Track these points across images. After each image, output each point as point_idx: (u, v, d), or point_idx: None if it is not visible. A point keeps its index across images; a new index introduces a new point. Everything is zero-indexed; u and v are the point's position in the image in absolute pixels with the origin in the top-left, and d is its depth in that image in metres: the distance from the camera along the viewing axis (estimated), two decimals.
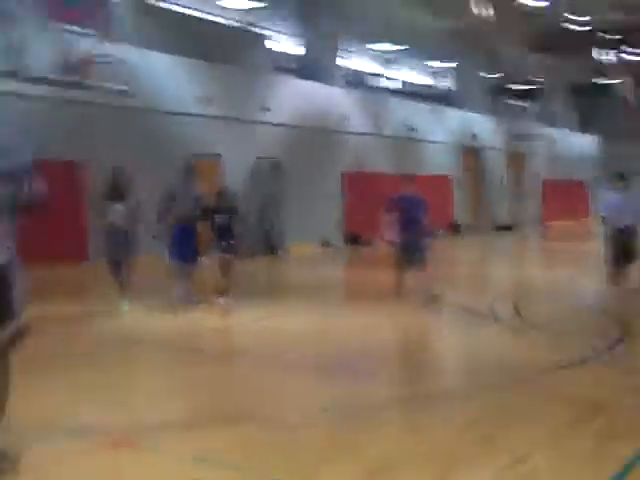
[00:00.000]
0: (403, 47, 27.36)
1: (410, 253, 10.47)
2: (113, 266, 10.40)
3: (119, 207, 10.29)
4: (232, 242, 10.53)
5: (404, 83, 32.41)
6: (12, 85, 13.08)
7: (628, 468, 4.33)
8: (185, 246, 10.43)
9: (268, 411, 5.55)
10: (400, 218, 10.61)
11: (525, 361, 7.17)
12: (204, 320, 9.71)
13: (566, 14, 24.54)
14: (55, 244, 13.63)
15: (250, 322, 9.67)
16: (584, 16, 25.13)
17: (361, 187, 22.22)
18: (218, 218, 10.50)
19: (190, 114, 17.20)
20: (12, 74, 12.93)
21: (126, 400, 5.95)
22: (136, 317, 9.82)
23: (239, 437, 4.90)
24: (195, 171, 10.99)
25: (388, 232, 10.74)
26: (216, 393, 6.25)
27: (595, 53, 31.21)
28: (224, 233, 10.49)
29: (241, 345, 8.63)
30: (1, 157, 4.17)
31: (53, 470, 4.33)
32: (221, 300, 10.25)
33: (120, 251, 10.29)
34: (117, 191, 10.35)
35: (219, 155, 17.83)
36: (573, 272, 15.22)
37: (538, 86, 38.38)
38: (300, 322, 9.57)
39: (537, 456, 4.48)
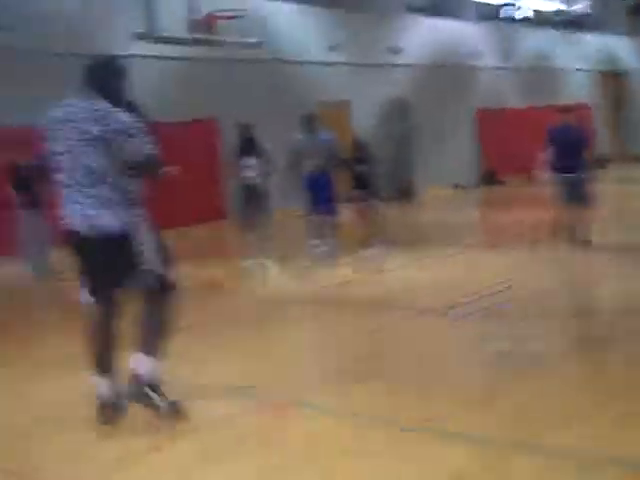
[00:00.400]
0: None
1: (570, 190, 9.76)
2: (249, 223, 10.44)
3: (251, 162, 10.30)
4: (371, 191, 10.52)
5: (536, 11, 30.95)
6: (146, 47, 13.41)
7: None
8: (319, 197, 9.78)
9: (418, 369, 5.54)
10: (558, 152, 9.82)
11: None
12: (347, 274, 9.25)
13: None
14: (193, 204, 13.95)
15: (397, 270, 9.46)
16: None
17: (495, 123, 21.57)
18: (359, 167, 10.48)
19: (319, 62, 17.16)
20: (146, 35, 13.25)
21: (282, 358, 5.97)
22: (277, 275, 9.54)
23: (387, 390, 4.94)
24: (317, 118, 10.11)
25: (545, 168, 9.95)
26: (369, 348, 6.23)
27: None
28: (362, 182, 10.47)
29: (391, 296, 8.17)
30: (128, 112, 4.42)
31: (221, 427, 4.48)
32: (367, 252, 9.96)
33: (255, 208, 10.33)
34: (248, 146, 10.36)
35: (348, 101, 17.73)
36: None
37: None
38: (446, 268, 9.45)
39: None
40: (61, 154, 4.45)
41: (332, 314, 7.45)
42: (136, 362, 4.48)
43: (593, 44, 26.92)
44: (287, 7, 16.62)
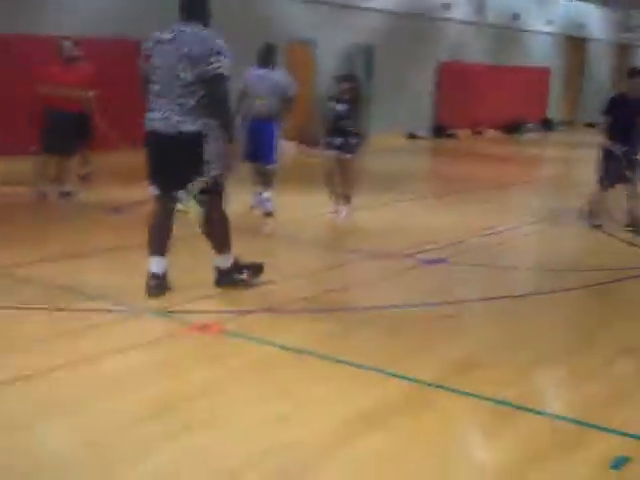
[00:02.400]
0: None
1: (622, 168, 9.08)
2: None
3: None
4: (352, 140, 9.10)
5: None
6: None
7: None
8: (258, 145, 8.76)
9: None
10: (616, 124, 9.04)
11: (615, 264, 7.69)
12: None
13: None
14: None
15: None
16: None
17: (456, 78, 22.13)
18: (339, 107, 9.03)
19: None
20: None
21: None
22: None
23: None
24: (275, 51, 9.13)
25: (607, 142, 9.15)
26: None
27: None
28: (342, 127, 9.03)
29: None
30: None
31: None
32: (343, 210, 9.24)
33: None
34: None
35: (313, 41, 18.01)
36: None
37: None
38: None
39: None
40: (159, 68, 5.61)
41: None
42: (218, 261, 6.02)
43: (562, 8, 27.38)
44: None
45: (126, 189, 10.59)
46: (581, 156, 19.61)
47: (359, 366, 4.68)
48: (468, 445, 3.90)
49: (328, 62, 17.88)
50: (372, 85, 19.36)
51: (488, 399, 4.27)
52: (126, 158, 10.56)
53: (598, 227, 9.22)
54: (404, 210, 10.58)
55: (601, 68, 30.03)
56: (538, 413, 4.15)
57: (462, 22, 22.73)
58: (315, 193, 10.21)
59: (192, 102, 5.53)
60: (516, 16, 24.79)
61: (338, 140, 9.05)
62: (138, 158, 6.29)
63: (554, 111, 27.36)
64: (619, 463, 3.61)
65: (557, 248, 8.74)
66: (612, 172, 9.11)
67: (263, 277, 6.31)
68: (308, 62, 17.87)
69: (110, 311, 5.53)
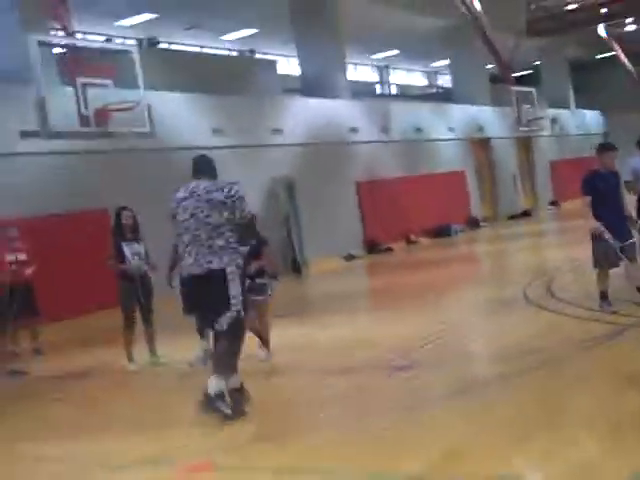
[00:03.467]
0: (399, 51, 27.91)
1: (617, 248, 8.61)
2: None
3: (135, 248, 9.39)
4: (264, 281, 8.52)
5: (405, 87, 32.90)
6: (38, 144, 13.73)
7: None
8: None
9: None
10: (599, 203, 8.63)
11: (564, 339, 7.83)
12: None
13: None
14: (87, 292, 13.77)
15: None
16: None
17: (374, 194, 22.71)
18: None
19: (205, 147, 17.76)
20: (36, 133, 13.61)
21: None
22: None
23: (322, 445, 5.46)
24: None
25: (595, 225, 8.61)
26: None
27: (598, 29, 31.82)
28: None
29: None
30: None
31: None
32: (262, 353, 8.66)
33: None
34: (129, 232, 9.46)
35: (234, 183, 18.29)
36: None
37: (537, 69, 38.91)
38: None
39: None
40: (187, 220, 6.38)
41: None
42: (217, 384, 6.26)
43: (459, 114, 28.73)
44: (171, 96, 17.24)
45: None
46: (511, 247, 20.26)
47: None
48: None
49: (252, 201, 18.05)
50: (298, 214, 19.71)
51: None
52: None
53: (615, 313, 8.58)
54: (358, 325, 10.68)
55: (508, 162, 31.33)
56: None
57: (370, 142, 23.55)
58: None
59: (220, 242, 6.32)
60: (420, 129, 25.85)
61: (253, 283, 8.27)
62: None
63: (476, 209, 28.22)
64: None
65: (509, 334, 8.77)
66: (607, 254, 8.63)
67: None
68: None
69: None
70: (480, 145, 29.50)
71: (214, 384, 6.22)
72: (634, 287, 8.94)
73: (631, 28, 32.73)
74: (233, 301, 6.25)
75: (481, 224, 27.24)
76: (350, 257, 21.21)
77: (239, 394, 6.50)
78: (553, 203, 32.98)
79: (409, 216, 23.69)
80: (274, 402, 6.99)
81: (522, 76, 36.97)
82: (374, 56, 29.74)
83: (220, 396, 6.21)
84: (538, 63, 39.10)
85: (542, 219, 29.00)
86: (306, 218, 19.88)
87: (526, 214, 29.82)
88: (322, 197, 20.68)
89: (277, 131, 19.94)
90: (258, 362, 8.36)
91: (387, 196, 22.99)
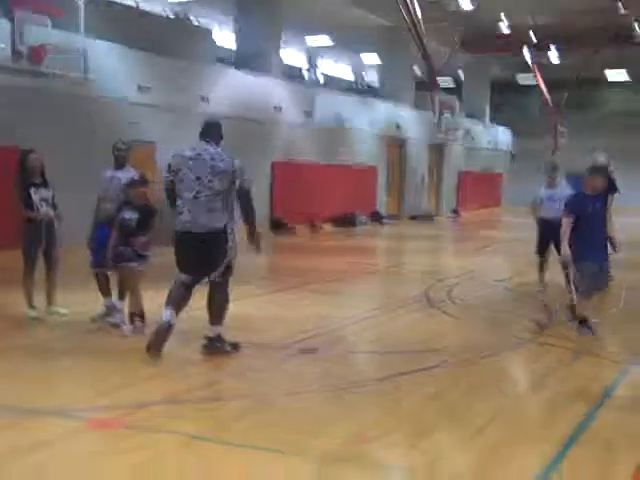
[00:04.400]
0: (335, 40, 28.40)
1: (598, 279, 8.31)
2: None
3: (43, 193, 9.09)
4: (142, 252, 8.34)
5: (334, 77, 33.45)
6: None
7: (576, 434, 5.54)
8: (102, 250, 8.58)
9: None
10: (581, 229, 8.21)
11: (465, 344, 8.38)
12: None
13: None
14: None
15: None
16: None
17: (289, 176, 23.24)
18: (126, 214, 8.33)
19: (131, 103, 17.88)
20: None
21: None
22: None
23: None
24: (126, 151, 9.36)
25: (566, 253, 8.24)
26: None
27: (523, 52, 33.15)
28: (130, 236, 8.28)
29: None
30: None
31: None
32: (125, 327, 8.40)
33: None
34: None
35: (153, 143, 18.45)
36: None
37: (461, 81, 40.19)
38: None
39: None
40: (191, 179, 7.15)
41: None
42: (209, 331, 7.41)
43: (382, 111, 29.48)
44: (107, 46, 17.22)
45: None
46: (413, 247, 21.11)
47: (262, 449, 5.08)
48: None
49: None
50: None
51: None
52: None
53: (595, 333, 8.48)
54: (264, 304, 10.85)
55: (419, 165, 32.37)
56: None
57: (293, 125, 24.01)
58: None
59: (219, 206, 7.12)
60: (342, 118, 26.43)
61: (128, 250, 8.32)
62: None
63: (381, 205, 29.11)
64: None
65: (413, 331, 9.27)
66: (588, 282, 8.32)
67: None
68: (149, 163, 18.25)
69: None
70: (395, 144, 30.36)
71: (214, 329, 7.40)
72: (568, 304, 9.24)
73: (555, 60, 34.30)
74: (228, 254, 7.21)
75: (384, 220, 28.12)
76: None
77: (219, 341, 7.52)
78: (454, 211, 34.22)
79: (317, 201, 24.33)
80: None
81: (446, 86, 38.05)
82: (307, 40, 30.08)
83: (220, 339, 7.40)
84: (462, 75, 40.42)
85: (442, 225, 30.11)
86: None
87: (427, 217, 30.89)
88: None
89: (204, 99, 20.15)
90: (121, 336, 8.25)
91: (299, 179, 23.54)
